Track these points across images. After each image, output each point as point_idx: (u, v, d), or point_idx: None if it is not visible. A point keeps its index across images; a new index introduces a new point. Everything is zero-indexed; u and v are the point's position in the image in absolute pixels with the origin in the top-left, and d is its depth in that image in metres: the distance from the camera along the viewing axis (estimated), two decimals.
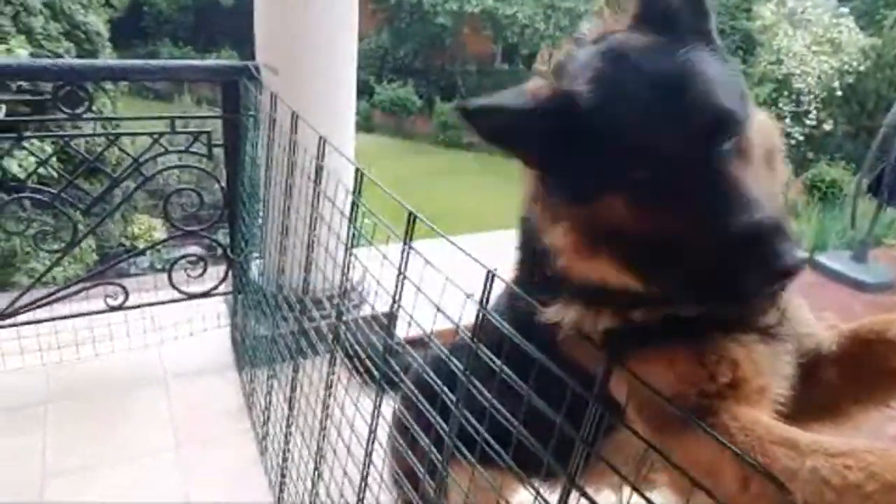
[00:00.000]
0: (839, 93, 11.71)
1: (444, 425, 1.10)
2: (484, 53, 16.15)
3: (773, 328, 0.84)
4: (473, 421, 1.02)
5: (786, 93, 12.01)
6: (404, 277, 1.19)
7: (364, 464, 1.37)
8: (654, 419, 0.75)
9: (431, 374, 1.16)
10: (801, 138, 11.79)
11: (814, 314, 0.97)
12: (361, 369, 1.46)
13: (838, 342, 0.94)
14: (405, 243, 1.15)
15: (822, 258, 4.86)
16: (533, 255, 0.95)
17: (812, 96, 11.89)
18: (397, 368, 1.29)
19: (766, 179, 0.79)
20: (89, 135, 3.93)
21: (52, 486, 2.13)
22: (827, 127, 11.90)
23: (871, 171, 4.64)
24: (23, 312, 2.60)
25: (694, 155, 0.72)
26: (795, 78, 11.86)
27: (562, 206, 0.82)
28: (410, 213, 1.14)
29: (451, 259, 1.04)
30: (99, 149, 3.35)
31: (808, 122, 11.83)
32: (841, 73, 11.64)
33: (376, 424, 1.33)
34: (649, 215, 0.74)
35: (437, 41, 15.06)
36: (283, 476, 2.04)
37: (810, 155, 11.76)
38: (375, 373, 1.34)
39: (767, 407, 0.77)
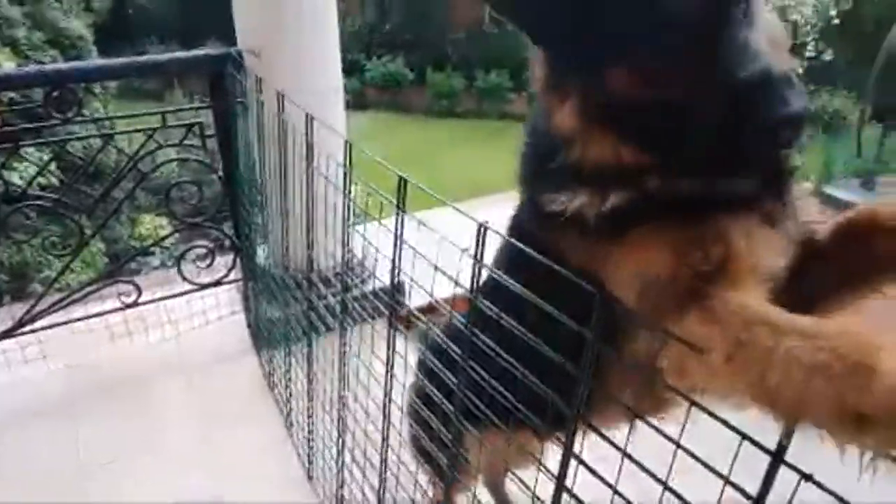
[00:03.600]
0: (836, 21, 11.46)
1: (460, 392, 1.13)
2: (472, 18, 15.90)
3: (775, 212, 0.85)
4: (484, 375, 1.05)
5: (782, 25, 11.76)
6: (401, 242, 1.22)
7: (383, 425, 1.42)
8: (652, 304, 0.78)
9: (443, 337, 1.19)
10: (801, 70, 11.56)
11: None
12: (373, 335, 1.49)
13: (833, 229, 0.95)
14: (398, 208, 1.18)
15: (830, 189, 4.82)
16: (539, 148, 0.96)
17: (809, 26, 11.65)
18: (406, 334, 1.32)
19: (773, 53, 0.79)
20: (84, 137, 3.96)
21: (89, 479, 2.21)
22: (827, 57, 11.67)
23: (877, 97, 4.56)
24: (40, 318, 2.66)
25: (704, 13, 0.73)
26: (790, 9, 11.61)
27: (569, 84, 0.83)
28: (401, 179, 1.16)
29: (448, 225, 1.06)
30: (96, 154, 3.37)
31: (806, 53, 11.61)
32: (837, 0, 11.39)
33: (390, 387, 1.37)
34: (658, 79, 0.75)
35: (423, 11, 14.85)
36: (310, 448, 2.10)
37: (811, 87, 11.58)
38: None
39: (758, 287, 0.79)
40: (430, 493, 1.54)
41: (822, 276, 0.93)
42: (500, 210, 1.12)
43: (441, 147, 11.28)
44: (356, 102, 12.11)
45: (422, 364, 1.40)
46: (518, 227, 1.08)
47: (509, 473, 1.55)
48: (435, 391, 1.25)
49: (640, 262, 0.81)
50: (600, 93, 0.80)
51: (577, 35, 0.79)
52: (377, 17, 15.34)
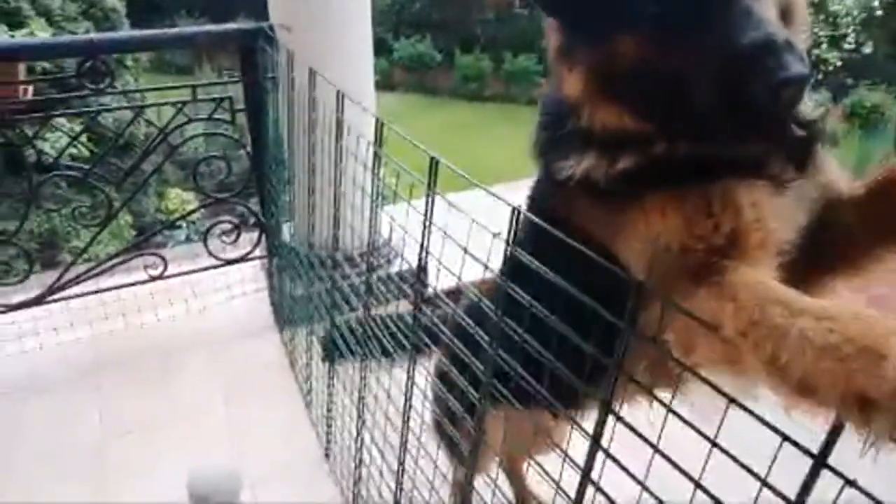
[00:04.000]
0: (879, 12, 11.09)
1: (481, 370, 1.12)
2: (501, 0, 15.70)
3: (787, 176, 0.86)
4: (510, 362, 1.04)
5: (821, 16, 11.42)
6: (430, 223, 1.20)
7: (404, 408, 1.41)
8: (662, 276, 0.77)
9: (467, 319, 1.17)
10: (839, 63, 11.26)
11: None
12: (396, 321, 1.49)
13: (862, 188, 0.95)
14: (429, 188, 1.16)
15: None
16: (551, 117, 0.99)
17: (850, 18, 11.30)
18: (432, 316, 1.31)
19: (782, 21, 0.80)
20: (115, 108, 3.99)
21: (111, 446, 2.25)
22: (866, 50, 11.32)
23: None
24: (69, 287, 2.70)
25: None
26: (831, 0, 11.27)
27: (577, 52, 0.86)
28: (432, 159, 1.14)
29: (477, 208, 1.04)
30: (126, 126, 3.40)
31: (845, 45, 11.28)
32: None
33: (413, 370, 1.36)
34: (662, 47, 0.77)
35: None
36: (328, 426, 2.12)
37: (849, 80, 11.26)
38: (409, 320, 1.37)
39: (770, 257, 0.80)
40: (450, 477, 1.53)
41: (853, 232, 0.93)
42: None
43: (467, 131, 11.20)
44: (383, 83, 12.04)
45: (445, 345, 1.39)
46: (535, 202, 1.10)
47: (529, 461, 1.54)
48: (454, 371, 1.24)
49: (650, 230, 0.82)
50: (606, 60, 0.82)
51: (585, 3, 0.83)
52: None
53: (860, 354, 0.61)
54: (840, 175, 0.96)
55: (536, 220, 0.90)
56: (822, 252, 0.90)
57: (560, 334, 0.89)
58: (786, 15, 0.83)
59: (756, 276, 0.74)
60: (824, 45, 11.29)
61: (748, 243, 0.79)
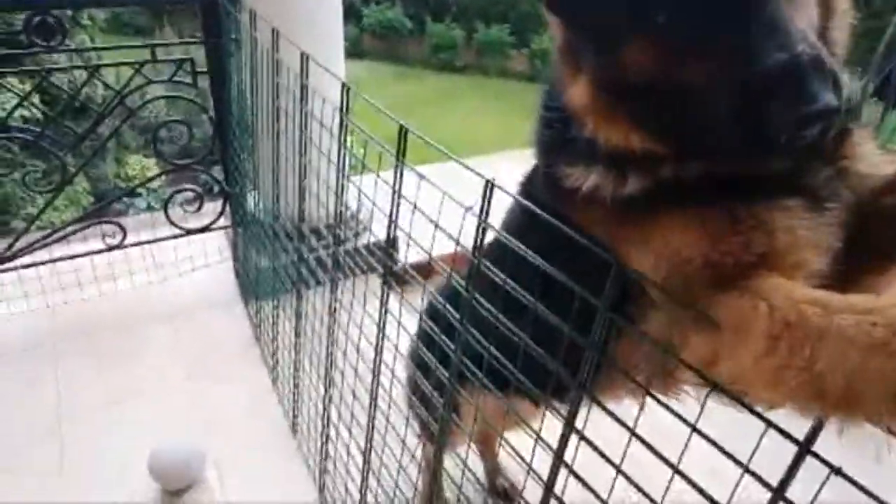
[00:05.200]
0: None
1: (454, 350, 1.08)
2: None
3: (822, 189, 0.77)
4: (486, 345, 1.00)
5: None
6: (399, 195, 1.15)
7: (372, 384, 1.37)
8: (680, 287, 0.71)
9: (440, 299, 1.13)
10: None
11: None
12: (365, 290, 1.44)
13: None
14: (398, 159, 1.10)
15: None
16: (556, 115, 0.89)
17: None
18: (399, 290, 1.26)
19: (816, 17, 0.71)
20: (68, 67, 3.79)
21: (67, 423, 2.17)
22: None
23: (878, 74, 4.46)
24: (21, 255, 2.58)
25: None
26: None
27: (584, 56, 0.77)
28: (401, 127, 1.08)
29: (447, 181, 0.99)
30: (81, 87, 3.23)
31: None
32: None
33: (381, 346, 1.32)
34: (679, 58, 0.68)
35: None
36: (295, 401, 2.07)
37: None
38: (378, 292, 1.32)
39: (804, 277, 0.72)
40: (419, 455, 1.51)
41: (889, 220, 0.81)
42: (499, 169, 1.05)
43: (438, 102, 11.07)
44: (352, 50, 11.79)
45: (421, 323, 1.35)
46: (529, 193, 1.00)
47: (502, 441, 1.52)
48: (427, 353, 1.21)
49: (669, 244, 0.73)
50: (616, 69, 0.73)
51: (594, 4, 0.74)
52: None
53: None
54: (881, 157, 0.85)
55: (541, 212, 0.82)
56: (866, 249, 0.79)
57: (537, 317, 0.86)
58: (825, 3, 0.73)
59: (786, 282, 0.67)
60: None
61: (782, 263, 0.71)
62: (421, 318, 1.28)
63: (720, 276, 0.70)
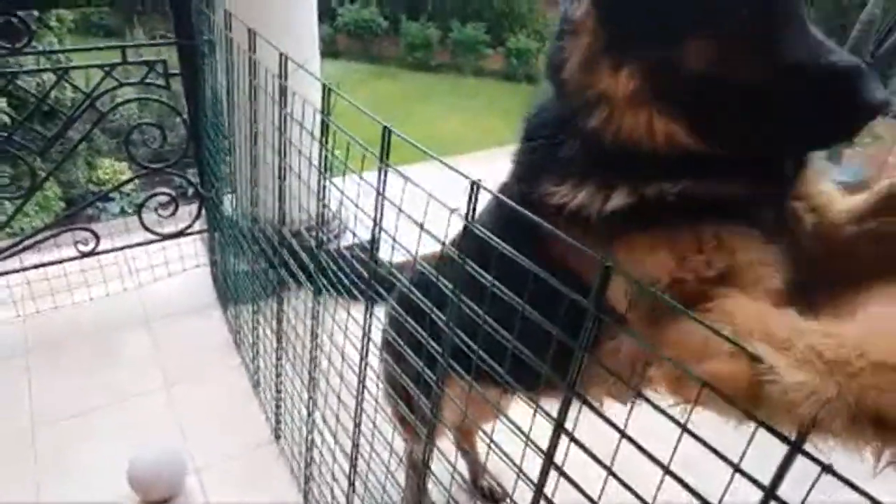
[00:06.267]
0: None
1: (434, 342, 1.07)
2: None
3: (782, 219, 0.83)
4: (465, 338, 1.00)
5: None
6: (383, 198, 1.13)
7: (358, 389, 1.36)
8: (649, 309, 0.74)
9: (416, 292, 1.12)
10: None
11: None
12: (347, 296, 1.42)
13: (863, 203, 0.89)
14: (381, 160, 1.09)
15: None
16: (546, 136, 0.91)
17: None
18: (383, 292, 1.25)
19: None
20: (36, 70, 3.70)
21: (42, 433, 2.12)
22: None
23: None
24: None
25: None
26: None
27: (632, 49, 0.78)
28: (385, 128, 1.07)
29: (428, 182, 0.98)
30: (49, 90, 3.15)
31: None
32: None
33: (367, 350, 1.30)
34: (738, 60, 0.72)
35: None
36: (277, 407, 2.05)
37: None
38: (361, 298, 1.30)
39: (765, 295, 0.75)
40: (405, 457, 1.50)
41: (855, 249, 0.86)
42: (474, 170, 1.04)
43: (413, 102, 11.02)
44: (327, 50, 11.67)
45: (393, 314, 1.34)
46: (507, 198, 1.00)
47: (481, 434, 1.51)
48: (402, 346, 1.20)
49: (636, 264, 0.77)
50: (671, 62, 0.74)
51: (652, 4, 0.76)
52: None
53: (875, 369, 0.57)
54: (834, 193, 0.92)
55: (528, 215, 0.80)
56: (826, 280, 0.84)
57: (523, 317, 0.85)
58: None
59: (751, 300, 0.71)
60: None
61: (743, 281, 0.75)
62: (394, 308, 1.27)
63: (685, 294, 0.72)
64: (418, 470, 1.61)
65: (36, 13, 5.38)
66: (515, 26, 13.07)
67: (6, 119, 4.81)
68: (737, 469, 0.66)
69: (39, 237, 2.60)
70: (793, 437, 0.60)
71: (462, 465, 1.96)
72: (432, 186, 0.98)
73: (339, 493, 1.59)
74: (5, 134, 2.60)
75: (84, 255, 2.65)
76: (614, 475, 0.78)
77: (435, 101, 11.18)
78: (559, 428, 0.86)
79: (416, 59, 12.97)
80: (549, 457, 0.88)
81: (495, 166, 1.10)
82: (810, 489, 0.60)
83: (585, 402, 0.84)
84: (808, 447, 0.59)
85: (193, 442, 2.09)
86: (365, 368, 1.31)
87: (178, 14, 2.46)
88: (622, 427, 0.76)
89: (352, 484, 1.50)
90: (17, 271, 2.58)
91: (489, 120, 10.33)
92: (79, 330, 2.58)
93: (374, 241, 1.24)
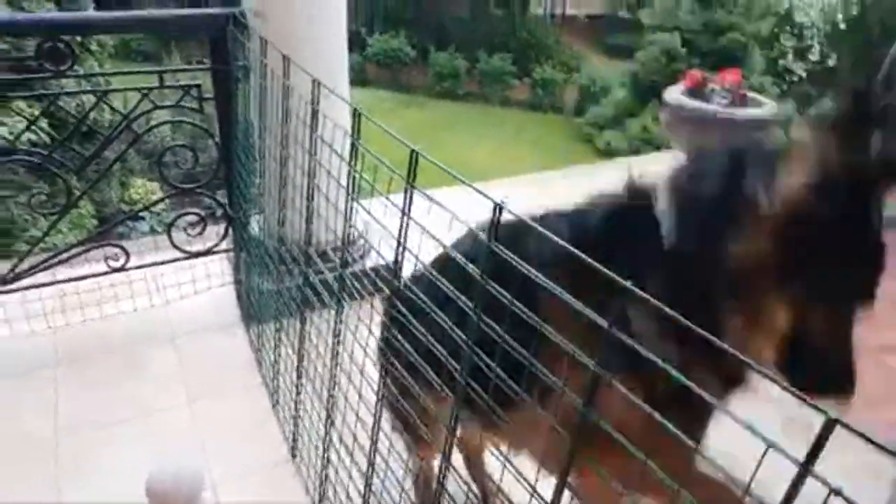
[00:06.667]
0: (843, 25, 11.38)
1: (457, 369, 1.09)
2: None
3: None
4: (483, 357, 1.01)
5: (788, 27, 11.69)
6: (409, 218, 1.16)
7: (376, 409, 1.37)
8: None
9: (435, 310, 1.14)
10: (804, 74, 11.54)
11: None
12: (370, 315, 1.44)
13: None
14: (408, 182, 1.12)
15: None
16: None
17: (815, 30, 11.59)
18: (404, 311, 1.27)
19: None
20: (77, 92, 3.84)
21: (65, 443, 2.16)
22: (831, 62, 11.62)
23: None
24: (24, 277, 2.59)
25: None
26: (798, 12, 11.52)
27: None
28: (412, 151, 1.11)
29: (457, 206, 1.00)
30: (88, 111, 3.27)
31: (810, 57, 11.56)
32: (846, 3, 11.28)
33: (386, 370, 1.32)
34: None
35: None
36: (295, 426, 2.06)
37: (814, 92, 11.54)
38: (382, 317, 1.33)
39: None
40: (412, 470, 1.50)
41: None
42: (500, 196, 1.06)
43: (440, 130, 11.18)
44: (357, 78, 11.92)
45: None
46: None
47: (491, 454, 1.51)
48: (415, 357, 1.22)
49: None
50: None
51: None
52: None
53: None
54: None
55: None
56: None
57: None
58: None
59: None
60: (790, 56, 11.56)
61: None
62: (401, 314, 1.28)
63: None
64: (428, 490, 1.61)
65: (79, 38, 5.60)
66: (541, 57, 13.23)
67: (46, 138, 4.98)
68: (746, 492, 0.66)
69: (73, 252, 2.68)
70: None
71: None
72: (458, 210, 1.00)
73: None
74: (45, 152, 2.71)
75: (114, 270, 2.72)
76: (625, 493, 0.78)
77: (462, 130, 11.32)
78: (573, 446, 0.86)
79: (444, 88, 13.18)
80: (562, 476, 0.89)
81: (522, 191, 1.12)
82: None
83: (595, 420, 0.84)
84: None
85: (212, 457, 2.11)
86: (383, 387, 1.33)
87: (213, 40, 2.55)
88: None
89: (366, 502, 1.51)
90: (49, 284, 2.66)
91: (515, 148, 10.41)
92: (106, 343, 2.64)
93: (398, 261, 1.27)
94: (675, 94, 4.11)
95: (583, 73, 12.56)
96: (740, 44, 10.18)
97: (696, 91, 4.13)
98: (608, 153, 10.00)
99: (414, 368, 1.21)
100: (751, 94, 4.13)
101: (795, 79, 11.59)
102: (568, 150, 10.67)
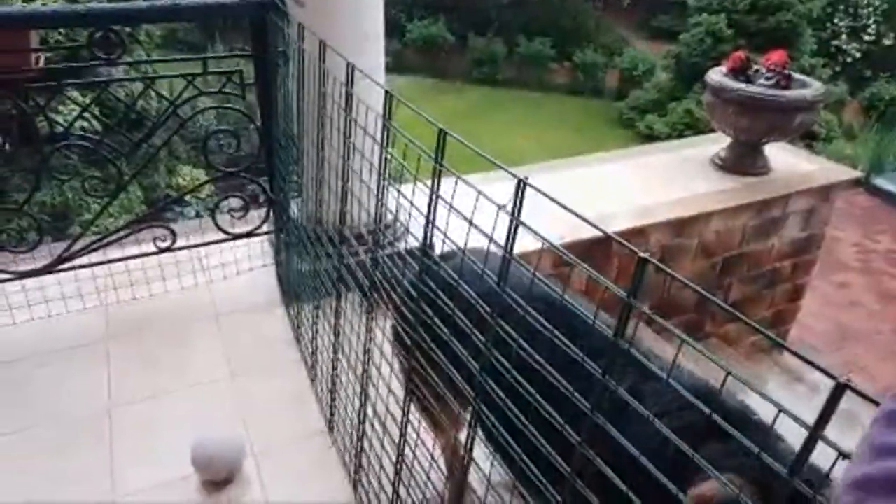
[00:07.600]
0: None
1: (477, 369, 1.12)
2: None
3: None
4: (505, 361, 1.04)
5: (842, 6, 11.24)
6: (437, 197, 1.20)
7: (406, 384, 1.42)
8: None
9: (473, 295, 1.18)
10: (859, 55, 11.10)
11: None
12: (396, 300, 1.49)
13: None
14: (436, 161, 1.16)
15: (879, 180, 4.64)
16: None
17: (871, 8, 11.11)
18: (434, 287, 1.31)
19: None
20: (126, 79, 4.00)
21: (118, 414, 2.29)
22: (887, 42, 11.14)
23: None
24: (78, 257, 2.73)
25: None
26: None
27: None
28: (440, 130, 1.14)
29: (490, 190, 1.02)
30: (138, 101, 3.41)
31: (866, 37, 11.10)
32: None
33: (416, 343, 1.37)
34: None
35: None
36: (332, 399, 2.14)
37: (868, 73, 11.10)
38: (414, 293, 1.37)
39: None
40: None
41: None
42: (536, 180, 1.08)
43: (479, 116, 11.13)
44: (395, 65, 11.95)
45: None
46: None
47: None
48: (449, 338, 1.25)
49: None
50: None
51: None
52: None
53: None
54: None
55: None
56: None
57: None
58: None
59: None
60: (844, 36, 11.12)
61: None
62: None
63: None
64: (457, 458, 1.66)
65: (128, 29, 5.79)
66: (582, 41, 13.03)
67: (97, 125, 5.19)
68: (758, 457, 0.68)
69: (122, 233, 2.81)
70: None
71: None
72: (491, 193, 1.02)
73: (385, 481, 1.66)
74: (97, 138, 2.84)
75: (161, 250, 2.84)
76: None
77: (501, 116, 11.26)
78: (580, 446, 0.89)
79: (483, 73, 13.09)
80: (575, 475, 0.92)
81: (558, 175, 1.14)
82: (826, 475, 0.62)
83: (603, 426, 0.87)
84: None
85: (253, 429, 2.20)
86: (413, 361, 1.38)
87: (254, 28, 2.63)
88: None
89: (398, 472, 1.56)
90: (101, 263, 2.79)
91: (555, 134, 10.31)
92: (154, 320, 2.76)
93: (427, 241, 1.31)
94: (717, 75, 4.02)
95: (625, 57, 12.32)
96: (790, 24, 9.81)
97: (740, 72, 4.03)
98: (650, 138, 9.81)
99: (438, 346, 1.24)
100: (797, 76, 4.01)
101: (849, 59, 11.14)
102: (608, 134, 10.52)
